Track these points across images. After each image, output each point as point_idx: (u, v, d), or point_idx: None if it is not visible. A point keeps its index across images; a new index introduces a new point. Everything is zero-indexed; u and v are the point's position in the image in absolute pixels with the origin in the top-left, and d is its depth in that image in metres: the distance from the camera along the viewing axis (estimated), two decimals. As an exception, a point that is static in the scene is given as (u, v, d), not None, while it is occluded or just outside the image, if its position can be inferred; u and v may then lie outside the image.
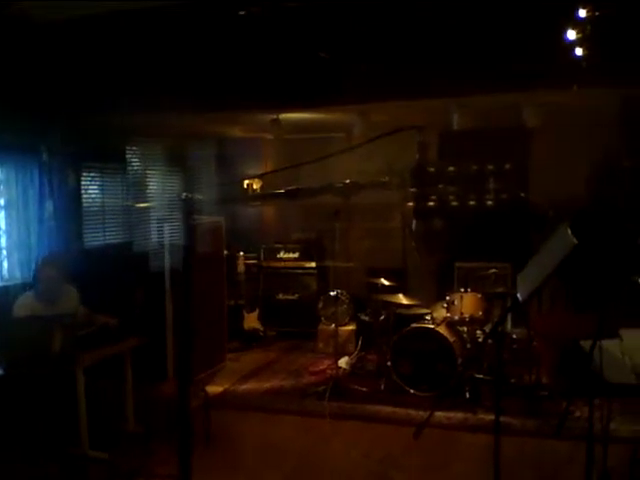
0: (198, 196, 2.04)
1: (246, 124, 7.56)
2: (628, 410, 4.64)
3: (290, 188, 5.73)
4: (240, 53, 4.86)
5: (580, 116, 6.33)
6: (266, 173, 7.53)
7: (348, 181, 5.55)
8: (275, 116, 6.53)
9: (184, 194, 1.93)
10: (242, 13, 3.94)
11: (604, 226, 2.43)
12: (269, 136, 7.17)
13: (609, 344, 2.77)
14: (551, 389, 5.22)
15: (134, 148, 7.46)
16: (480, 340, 5.79)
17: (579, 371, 2.50)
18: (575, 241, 2.25)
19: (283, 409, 5.40)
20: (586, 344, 2.62)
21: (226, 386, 5.97)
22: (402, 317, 6.12)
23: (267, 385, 6.01)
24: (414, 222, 4.63)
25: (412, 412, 5.14)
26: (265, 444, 4.68)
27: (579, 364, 2.51)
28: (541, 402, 5.06)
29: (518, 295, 2.61)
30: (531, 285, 2.52)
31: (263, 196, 7.62)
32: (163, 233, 5.96)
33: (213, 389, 5.78)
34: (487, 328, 5.80)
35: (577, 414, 4.54)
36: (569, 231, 2.29)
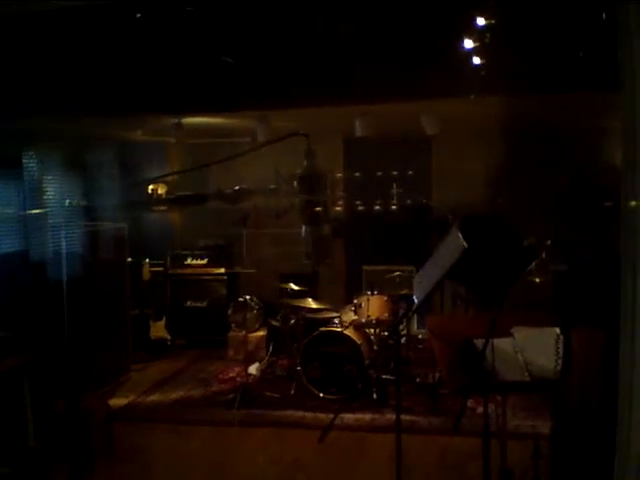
0: (83, 202, 1.95)
1: (147, 128, 7.38)
2: (531, 406, 4.87)
3: (180, 194, 5.66)
4: (140, 56, 4.74)
5: (477, 124, 6.61)
6: (162, 176, 7.37)
7: (237, 187, 5.54)
8: (177, 120, 6.41)
9: (67, 201, 1.84)
10: (139, 16, 3.83)
11: (492, 229, 2.54)
12: (173, 140, 7.04)
13: (502, 342, 2.88)
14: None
15: (31, 153, 7.11)
16: (390, 342, 5.91)
17: (472, 369, 2.60)
18: (465, 244, 2.34)
19: (191, 419, 5.29)
20: (479, 343, 2.72)
21: (131, 398, 5.78)
22: (311, 321, 6.15)
23: (175, 395, 5.87)
24: (303, 228, 4.68)
25: (321, 415, 5.17)
26: (172, 456, 4.58)
27: (472, 363, 2.60)
28: (445, 400, 5.23)
29: (414, 297, 2.69)
30: (425, 288, 2.60)
31: (158, 201, 7.46)
32: (60, 241, 5.72)
33: (118, 402, 5.60)
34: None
35: (479, 410, 4.72)
36: (459, 235, 2.38)
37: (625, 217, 1.79)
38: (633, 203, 1.80)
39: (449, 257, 2.44)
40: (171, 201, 7.15)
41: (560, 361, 2.52)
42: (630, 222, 1.77)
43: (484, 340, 2.63)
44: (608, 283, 1.89)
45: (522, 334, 2.96)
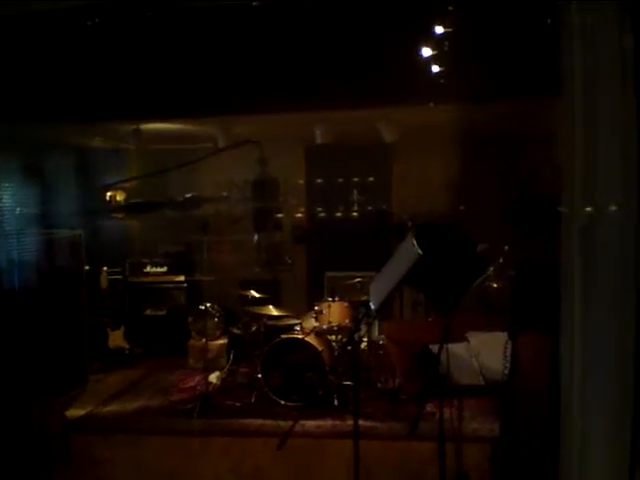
0: (38, 209, 1.92)
1: (106, 134, 7.28)
2: (489, 410, 4.93)
3: (133, 201, 5.60)
4: (98, 62, 4.69)
5: (437, 131, 6.69)
6: (117, 182, 7.27)
7: (189, 195, 5.51)
8: (136, 126, 6.34)
9: (18, 209, 1.81)
10: (96, 21, 3.78)
11: (446, 236, 2.58)
12: (132, 147, 6.95)
13: (457, 347, 2.93)
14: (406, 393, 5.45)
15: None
16: (349, 348, 5.93)
17: (427, 374, 2.63)
18: (419, 252, 2.37)
19: (150, 429, 5.22)
20: (435, 348, 2.75)
21: (89, 409, 5.68)
22: (273, 328, 6.13)
23: (133, 405, 5.78)
24: (255, 235, 4.66)
25: (282, 423, 5.14)
26: (131, 466, 4.51)
27: (427, 368, 2.63)
28: (405, 405, 5.26)
29: (371, 304, 2.71)
30: (381, 294, 2.62)
31: (115, 208, 7.36)
32: (13, 249, 5.60)
33: (75, 412, 5.49)
34: (356, 335, 5.94)
35: (438, 415, 4.77)
36: (414, 242, 2.41)
37: (564, 222, 1.83)
38: (587, 209, 1.82)
39: (404, 264, 2.47)
40: (125, 208, 7.05)
41: (508, 364, 2.57)
42: (568, 228, 1.81)
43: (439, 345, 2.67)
44: (555, 288, 1.94)
45: (477, 339, 3.02)
